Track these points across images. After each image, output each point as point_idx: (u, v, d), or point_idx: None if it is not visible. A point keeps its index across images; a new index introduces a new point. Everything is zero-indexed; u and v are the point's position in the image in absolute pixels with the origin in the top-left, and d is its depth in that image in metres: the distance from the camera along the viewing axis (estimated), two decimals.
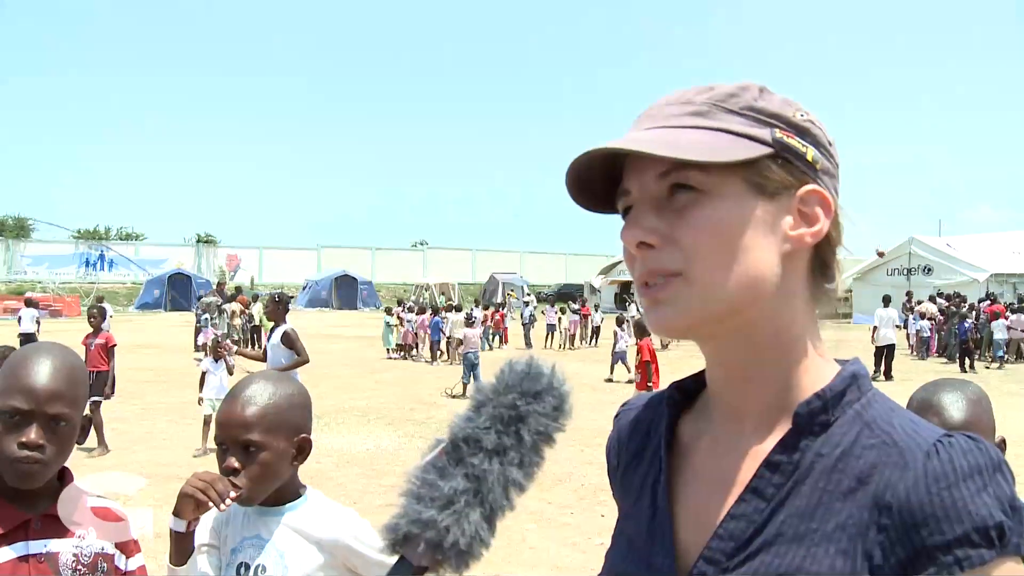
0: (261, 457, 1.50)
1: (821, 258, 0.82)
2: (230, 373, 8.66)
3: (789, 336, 0.79)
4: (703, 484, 0.83)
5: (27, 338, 15.19)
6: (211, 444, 8.15)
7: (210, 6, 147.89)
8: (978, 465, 0.68)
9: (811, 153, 0.78)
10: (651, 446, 0.91)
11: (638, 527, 0.86)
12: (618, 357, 15.70)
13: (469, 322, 14.72)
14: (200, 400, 8.55)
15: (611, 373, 15.53)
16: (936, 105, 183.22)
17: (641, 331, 10.58)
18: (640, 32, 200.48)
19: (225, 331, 19.12)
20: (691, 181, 0.75)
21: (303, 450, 1.61)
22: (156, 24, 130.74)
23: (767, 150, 0.76)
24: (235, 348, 9.22)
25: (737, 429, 0.82)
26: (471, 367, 13.08)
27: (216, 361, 8.70)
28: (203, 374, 8.70)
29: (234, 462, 1.50)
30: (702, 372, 0.89)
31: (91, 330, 8.62)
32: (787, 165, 0.77)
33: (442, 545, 0.70)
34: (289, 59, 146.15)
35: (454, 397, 12.86)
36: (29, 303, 17.32)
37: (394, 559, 0.73)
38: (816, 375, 0.79)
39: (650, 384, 9.74)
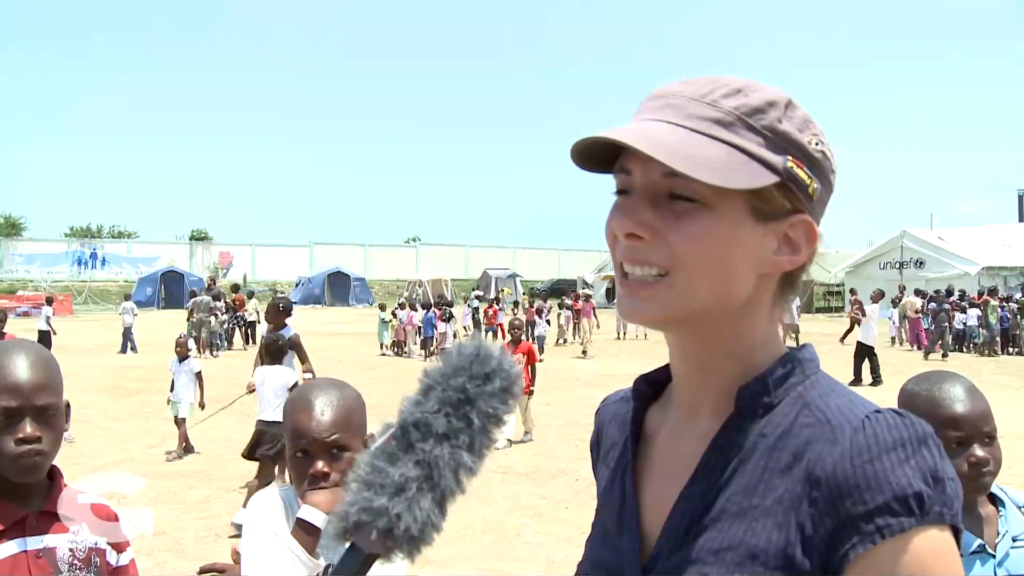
0: (347, 456, 1.54)
1: (791, 277, 0.85)
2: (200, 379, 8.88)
3: (750, 339, 0.83)
4: (664, 470, 0.87)
5: (42, 335, 15.35)
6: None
7: (203, 3, 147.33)
8: (902, 438, 0.71)
9: (813, 186, 0.80)
10: (623, 438, 0.95)
11: (610, 515, 0.91)
12: (539, 341, 17.83)
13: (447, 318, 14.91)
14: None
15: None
16: (928, 98, 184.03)
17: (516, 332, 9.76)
18: (636, 28, 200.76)
19: (219, 329, 19.08)
20: (695, 194, 0.76)
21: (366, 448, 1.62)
22: (148, 22, 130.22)
23: (776, 179, 0.78)
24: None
25: (695, 417, 0.85)
26: None
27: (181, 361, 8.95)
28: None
29: (323, 466, 1.52)
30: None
31: None
32: (789, 194, 0.79)
33: (394, 532, 0.69)
34: (281, 56, 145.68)
35: None
36: (49, 301, 17.71)
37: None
38: (766, 365, 0.83)
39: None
